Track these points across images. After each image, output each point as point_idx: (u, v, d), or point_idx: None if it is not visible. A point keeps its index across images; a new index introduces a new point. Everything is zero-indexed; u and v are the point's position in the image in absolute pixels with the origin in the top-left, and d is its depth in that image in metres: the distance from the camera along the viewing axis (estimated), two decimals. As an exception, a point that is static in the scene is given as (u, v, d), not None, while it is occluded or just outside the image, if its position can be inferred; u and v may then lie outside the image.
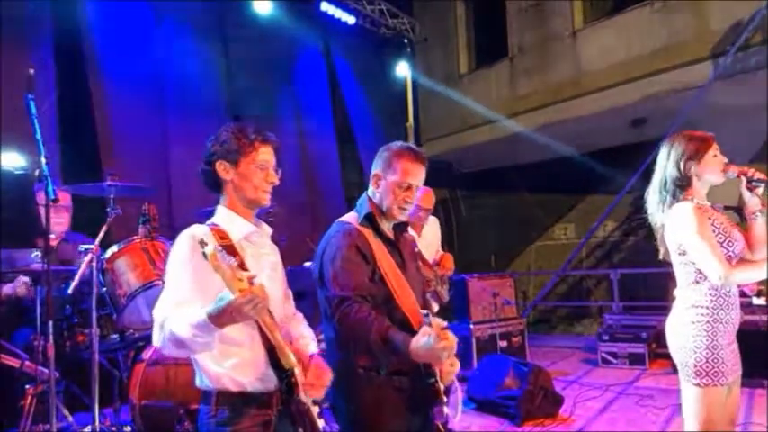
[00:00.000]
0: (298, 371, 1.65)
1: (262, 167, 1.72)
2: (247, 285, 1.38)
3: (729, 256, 2.09)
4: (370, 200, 2.02)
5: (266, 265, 1.77)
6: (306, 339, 1.85)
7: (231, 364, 1.61)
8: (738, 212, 2.27)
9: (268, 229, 1.85)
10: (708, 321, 2.09)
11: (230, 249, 1.60)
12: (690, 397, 2.12)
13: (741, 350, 2.18)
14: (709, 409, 2.07)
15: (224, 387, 1.61)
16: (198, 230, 1.64)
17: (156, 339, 1.55)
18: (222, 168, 1.72)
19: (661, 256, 2.28)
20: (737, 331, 2.18)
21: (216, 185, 1.76)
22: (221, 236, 1.65)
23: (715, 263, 2.03)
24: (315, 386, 1.70)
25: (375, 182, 2.01)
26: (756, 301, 4.73)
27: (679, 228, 2.12)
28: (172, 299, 1.57)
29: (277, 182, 1.76)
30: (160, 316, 1.55)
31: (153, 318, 1.57)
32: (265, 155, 1.73)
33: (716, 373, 2.06)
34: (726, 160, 2.19)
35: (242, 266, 1.57)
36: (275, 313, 1.69)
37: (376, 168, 2.02)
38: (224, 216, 1.75)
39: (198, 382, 1.67)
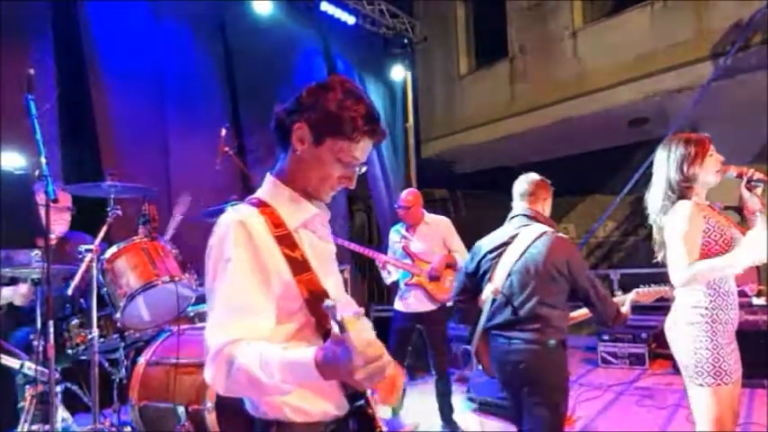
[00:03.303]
0: (369, 394, 1.34)
1: (347, 163, 1.30)
2: (381, 350, 1.00)
3: (723, 254, 2.10)
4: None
5: (328, 258, 1.39)
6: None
7: (295, 390, 1.21)
8: (739, 212, 2.28)
9: (327, 211, 1.42)
10: (706, 322, 2.10)
11: (287, 240, 1.24)
12: (697, 398, 2.13)
13: (741, 350, 2.18)
14: (717, 408, 2.08)
15: (286, 417, 1.25)
16: (247, 213, 1.24)
17: (213, 374, 1.12)
18: (300, 134, 1.29)
19: (659, 259, 2.29)
20: (737, 331, 2.19)
21: (283, 142, 1.34)
22: (275, 222, 1.24)
23: (682, 263, 2.06)
24: (389, 394, 1.37)
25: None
26: (756, 301, 4.73)
27: (671, 224, 2.15)
28: (233, 309, 1.15)
29: (353, 186, 1.35)
30: (221, 339, 1.11)
31: (206, 343, 1.14)
32: (359, 151, 1.30)
33: (718, 373, 2.07)
34: (722, 159, 2.21)
35: (305, 264, 1.25)
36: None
37: (543, 194, 2.76)
38: (278, 192, 1.32)
39: (248, 407, 1.32)
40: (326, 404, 1.27)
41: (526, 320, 2.47)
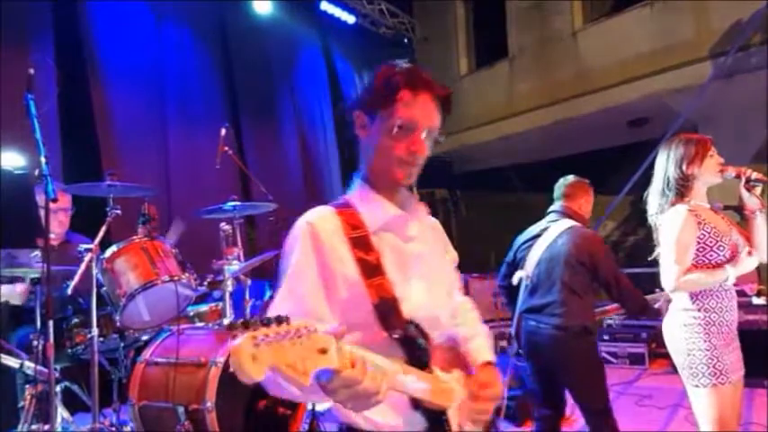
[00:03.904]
0: (452, 411, 1.18)
1: (404, 126, 1.18)
2: (344, 363, 0.87)
3: (720, 260, 2.10)
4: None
5: (415, 263, 1.25)
6: (477, 341, 1.37)
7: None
8: (738, 212, 2.28)
9: (422, 209, 1.34)
10: (700, 324, 2.10)
11: (363, 242, 1.18)
12: (695, 398, 2.14)
13: (741, 350, 2.18)
14: (717, 408, 2.08)
15: (354, 423, 1.19)
16: (319, 215, 1.21)
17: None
18: (359, 122, 1.24)
19: (655, 256, 2.30)
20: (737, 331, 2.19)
21: (355, 140, 1.29)
22: (353, 223, 1.19)
23: (672, 270, 2.08)
24: (476, 406, 1.22)
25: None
26: (756, 300, 4.72)
27: (666, 229, 2.16)
28: (284, 311, 1.05)
29: (423, 152, 1.21)
30: None
31: None
32: (415, 110, 1.18)
33: (713, 374, 2.07)
34: (722, 161, 2.21)
35: (378, 268, 1.17)
36: (437, 322, 1.25)
37: (580, 194, 3.00)
38: (359, 193, 1.26)
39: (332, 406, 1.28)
40: (395, 417, 1.16)
41: (552, 306, 2.73)
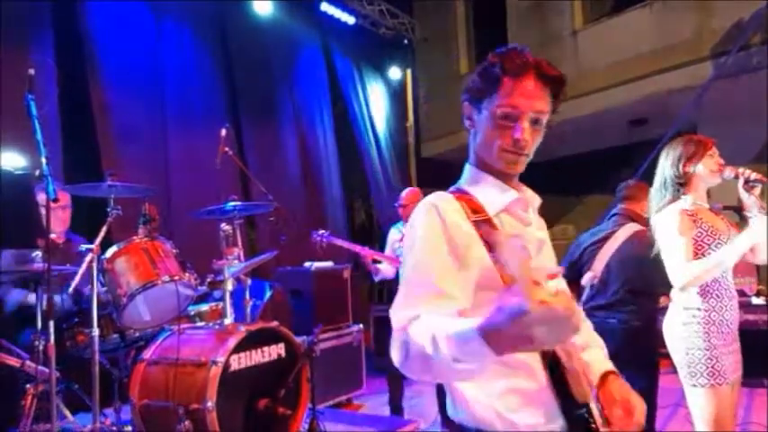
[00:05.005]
0: (594, 406, 1.17)
1: (506, 115, 1.15)
2: (548, 296, 0.77)
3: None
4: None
5: (535, 248, 1.26)
6: (596, 349, 1.34)
7: (500, 392, 1.12)
8: (738, 212, 2.28)
9: (534, 197, 1.31)
10: (699, 323, 2.10)
11: (488, 226, 1.15)
12: (692, 398, 2.14)
13: (741, 350, 2.19)
14: (713, 408, 2.08)
15: (488, 425, 1.13)
16: (441, 197, 1.19)
17: (395, 355, 1.03)
18: (466, 113, 1.24)
19: (653, 254, 2.30)
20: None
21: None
22: (473, 208, 1.17)
23: (679, 268, 2.07)
24: (622, 424, 1.17)
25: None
26: (756, 300, 4.73)
27: (662, 230, 2.16)
28: (416, 287, 1.07)
29: (529, 140, 1.16)
30: (401, 317, 1.03)
31: (392, 321, 1.06)
32: (514, 97, 1.14)
33: (712, 374, 2.07)
34: (723, 161, 2.21)
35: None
36: None
37: (642, 195, 2.90)
38: (474, 178, 1.24)
39: (448, 410, 1.20)
40: (535, 414, 1.13)
41: (619, 304, 2.89)
